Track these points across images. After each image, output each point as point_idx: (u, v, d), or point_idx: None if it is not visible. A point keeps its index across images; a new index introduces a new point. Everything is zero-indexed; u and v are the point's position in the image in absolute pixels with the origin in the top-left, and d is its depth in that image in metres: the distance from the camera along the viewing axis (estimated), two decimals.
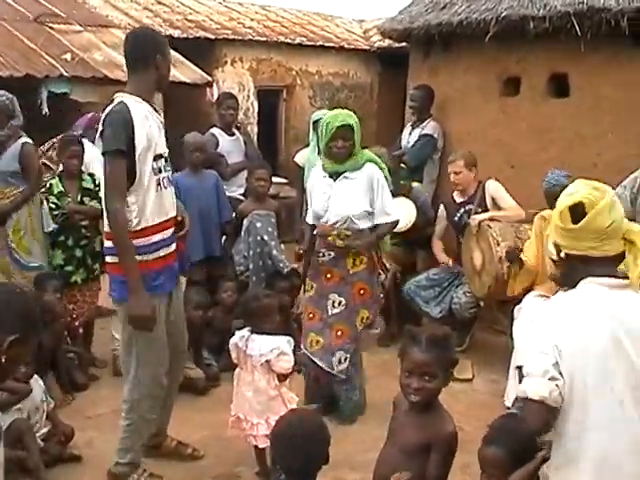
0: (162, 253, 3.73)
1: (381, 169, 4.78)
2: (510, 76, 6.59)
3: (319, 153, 5.00)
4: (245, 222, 5.86)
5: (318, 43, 11.67)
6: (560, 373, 2.21)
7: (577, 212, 2.37)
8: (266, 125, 11.31)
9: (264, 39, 11.02)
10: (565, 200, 2.43)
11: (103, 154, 3.55)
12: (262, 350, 3.96)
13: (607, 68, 5.90)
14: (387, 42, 10.61)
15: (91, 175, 5.67)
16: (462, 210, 6.09)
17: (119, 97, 3.64)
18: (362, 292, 4.78)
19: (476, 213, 5.88)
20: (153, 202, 3.65)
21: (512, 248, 5.32)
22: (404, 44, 8.29)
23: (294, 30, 11.93)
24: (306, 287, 4.95)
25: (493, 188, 5.99)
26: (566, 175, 5.10)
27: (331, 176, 4.74)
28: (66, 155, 5.54)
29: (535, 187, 5.38)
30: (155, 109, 3.75)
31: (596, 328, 2.25)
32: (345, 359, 4.79)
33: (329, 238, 4.72)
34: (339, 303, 4.76)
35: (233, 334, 4.17)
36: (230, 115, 6.83)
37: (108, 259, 3.71)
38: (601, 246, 2.37)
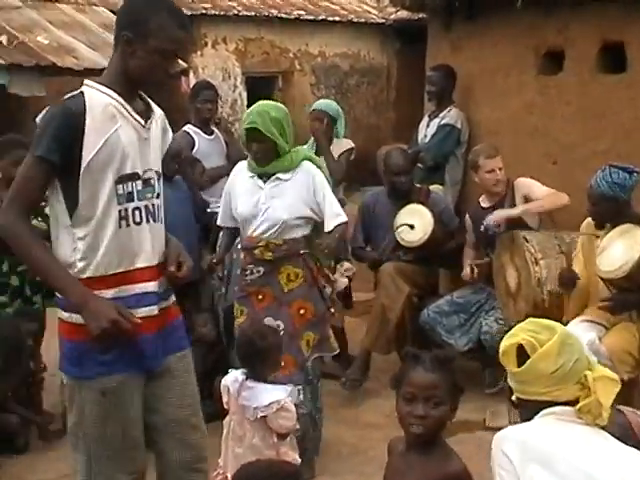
0: None
1: (319, 167, 4.89)
2: (550, 49, 6.54)
3: (316, 153, 5.08)
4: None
5: (320, 17, 11.73)
6: None
7: (521, 354, 2.65)
8: None
9: (253, 14, 11.06)
10: (505, 341, 2.74)
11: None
12: (258, 403, 3.96)
13: None
14: (407, 12, 10.48)
15: None
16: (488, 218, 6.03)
17: (84, 86, 3.20)
18: (302, 312, 4.82)
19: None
20: (111, 241, 3.16)
21: (565, 269, 5.22)
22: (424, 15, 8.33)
23: (290, 2, 11.94)
24: (235, 313, 4.95)
25: (524, 185, 5.97)
26: (632, 171, 4.86)
27: (261, 177, 4.80)
28: (7, 162, 5.48)
29: (584, 187, 5.28)
30: (148, 107, 3.34)
31: None
32: (298, 392, 4.68)
33: (256, 251, 4.76)
34: (277, 327, 4.69)
35: (213, 374, 4.22)
36: (207, 110, 6.84)
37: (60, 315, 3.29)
38: (550, 392, 2.64)
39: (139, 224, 3.24)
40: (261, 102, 4.88)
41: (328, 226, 4.79)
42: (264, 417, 3.95)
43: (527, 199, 5.95)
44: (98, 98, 3.14)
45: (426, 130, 7.25)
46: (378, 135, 13.52)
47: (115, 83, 3.19)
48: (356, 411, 5.87)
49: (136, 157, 3.21)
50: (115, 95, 3.17)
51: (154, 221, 3.31)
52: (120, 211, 3.18)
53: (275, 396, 3.95)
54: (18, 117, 6.56)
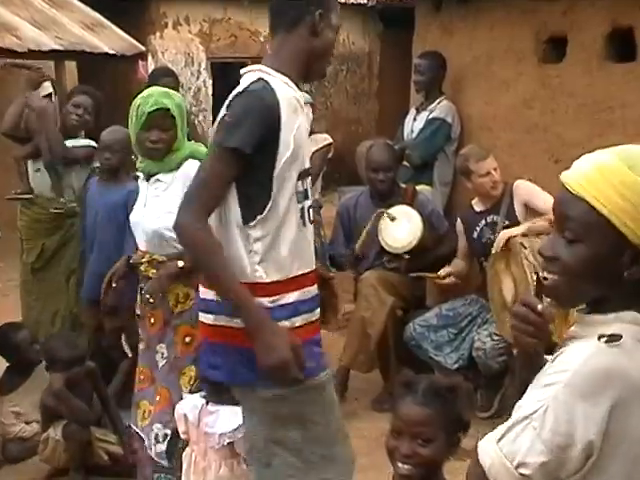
0: (299, 322, 3.39)
1: None
2: (553, 34, 6.58)
3: None
4: None
5: None
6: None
7: None
8: None
9: None
10: None
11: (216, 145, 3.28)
12: (223, 428, 3.92)
13: None
14: None
15: None
16: (483, 223, 6.11)
17: (261, 73, 3.28)
18: (188, 340, 4.58)
19: (504, 228, 5.88)
20: (293, 242, 3.33)
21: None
22: None
23: None
24: (140, 340, 4.86)
25: (524, 191, 6.01)
26: None
27: (148, 179, 4.65)
28: None
29: None
30: (310, 97, 3.56)
31: None
32: (164, 437, 4.60)
33: (141, 268, 4.63)
34: (162, 356, 4.64)
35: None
36: None
37: (204, 318, 3.44)
38: None
39: (310, 223, 3.43)
40: (154, 87, 4.82)
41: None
42: (231, 443, 3.91)
43: (528, 207, 5.96)
44: (282, 89, 3.24)
45: (413, 124, 7.27)
46: (358, 129, 13.49)
47: (291, 70, 3.32)
48: None
49: (307, 152, 3.43)
50: (293, 85, 3.31)
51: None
52: (299, 210, 3.34)
53: (242, 418, 3.83)
54: None
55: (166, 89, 4.71)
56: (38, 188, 6.38)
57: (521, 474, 2.00)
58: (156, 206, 4.53)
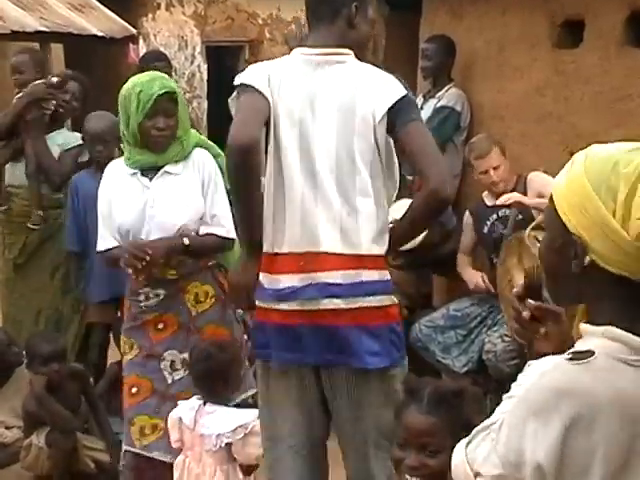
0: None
1: (215, 156, 4.73)
2: (569, 18, 6.52)
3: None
4: None
5: None
6: None
7: None
8: (220, 98, 11.25)
9: None
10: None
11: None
12: (221, 429, 3.98)
13: None
14: None
15: None
16: (494, 217, 6.09)
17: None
18: None
19: (517, 222, 5.89)
20: None
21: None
22: None
23: None
24: (123, 348, 4.78)
25: (539, 183, 5.96)
26: None
27: (144, 173, 4.61)
28: None
29: None
30: None
31: None
32: (182, 363, 4.66)
33: (154, 270, 4.52)
34: (183, 363, 4.61)
35: None
36: None
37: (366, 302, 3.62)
38: None
39: None
40: (153, 72, 4.82)
41: (202, 231, 4.65)
42: (229, 446, 3.96)
43: (541, 198, 5.92)
44: None
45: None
46: None
47: None
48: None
49: None
50: None
51: None
52: None
53: (242, 419, 3.96)
54: None
55: (162, 74, 4.72)
56: (16, 180, 6.28)
57: None
58: (173, 200, 4.56)
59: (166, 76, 4.67)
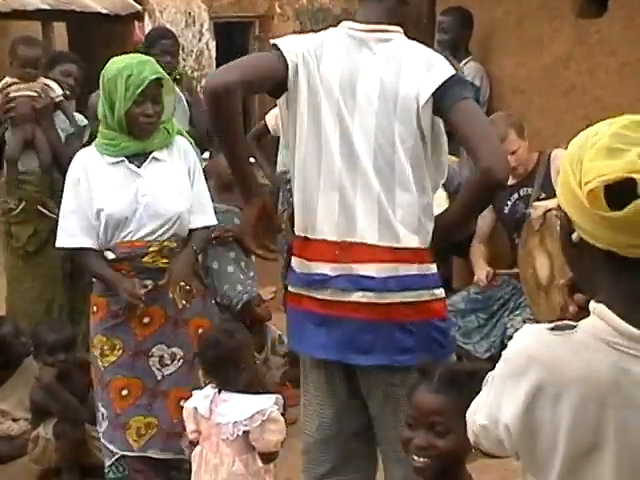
0: None
1: (191, 144, 4.79)
2: None
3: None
4: None
5: None
6: None
7: (623, 189, 1.96)
8: None
9: None
10: (602, 168, 2.00)
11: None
12: (238, 416, 3.97)
13: None
14: None
15: None
16: (515, 196, 6.08)
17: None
18: (201, 333, 4.63)
19: (538, 200, 5.81)
20: None
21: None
22: None
23: None
24: (99, 350, 4.65)
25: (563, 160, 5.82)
26: None
27: (131, 160, 4.56)
28: None
29: None
30: None
31: None
32: (172, 357, 4.66)
33: (145, 259, 4.52)
34: (172, 357, 4.62)
35: None
36: (167, 62, 6.80)
37: (408, 295, 3.50)
38: None
39: None
40: (135, 54, 4.82)
41: (194, 222, 4.68)
42: (246, 434, 3.95)
43: None
44: None
45: None
46: None
47: None
48: None
49: None
50: None
51: None
52: None
53: (259, 405, 3.95)
54: None
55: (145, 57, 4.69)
56: (26, 167, 6.25)
57: (473, 429, 2.15)
58: (166, 187, 4.58)
59: (152, 59, 4.62)
